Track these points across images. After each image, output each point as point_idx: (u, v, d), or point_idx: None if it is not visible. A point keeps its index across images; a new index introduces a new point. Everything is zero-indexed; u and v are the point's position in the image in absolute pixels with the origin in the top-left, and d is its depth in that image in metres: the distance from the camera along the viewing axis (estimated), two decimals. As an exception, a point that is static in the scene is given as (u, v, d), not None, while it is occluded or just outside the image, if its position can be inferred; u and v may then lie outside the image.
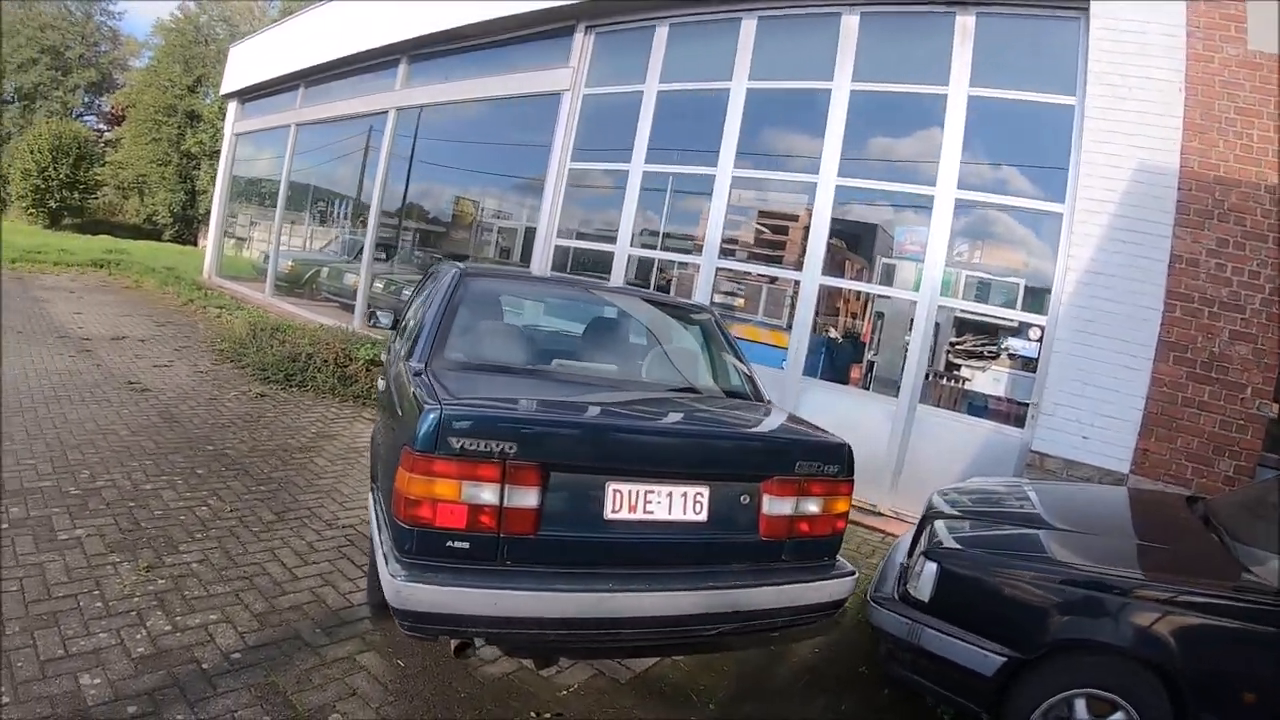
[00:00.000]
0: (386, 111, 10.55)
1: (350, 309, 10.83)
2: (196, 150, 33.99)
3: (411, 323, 3.65)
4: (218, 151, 18.34)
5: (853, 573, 2.79)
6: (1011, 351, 5.65)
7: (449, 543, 2.18)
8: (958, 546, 2.81)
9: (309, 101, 12.87)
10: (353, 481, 4.75)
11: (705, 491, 2.48)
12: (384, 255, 11.22)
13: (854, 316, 7.24)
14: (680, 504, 2.44)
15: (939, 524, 3.05)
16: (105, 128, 39.12)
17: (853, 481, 2.79)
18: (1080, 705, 2.42)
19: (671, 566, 2.45)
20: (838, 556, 2.85)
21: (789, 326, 6.25)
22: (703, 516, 2.47)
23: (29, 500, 3.79)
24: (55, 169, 29.93)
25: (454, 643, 2.76)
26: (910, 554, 3.11)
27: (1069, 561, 2.61)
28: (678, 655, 3.09)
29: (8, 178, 31.87)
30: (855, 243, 6.74)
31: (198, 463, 4.70)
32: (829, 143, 6.02)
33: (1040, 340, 5.17)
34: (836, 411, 5.64)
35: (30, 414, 5.23)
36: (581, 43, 7.84)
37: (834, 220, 6.12)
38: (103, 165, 34.30)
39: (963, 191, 5.48)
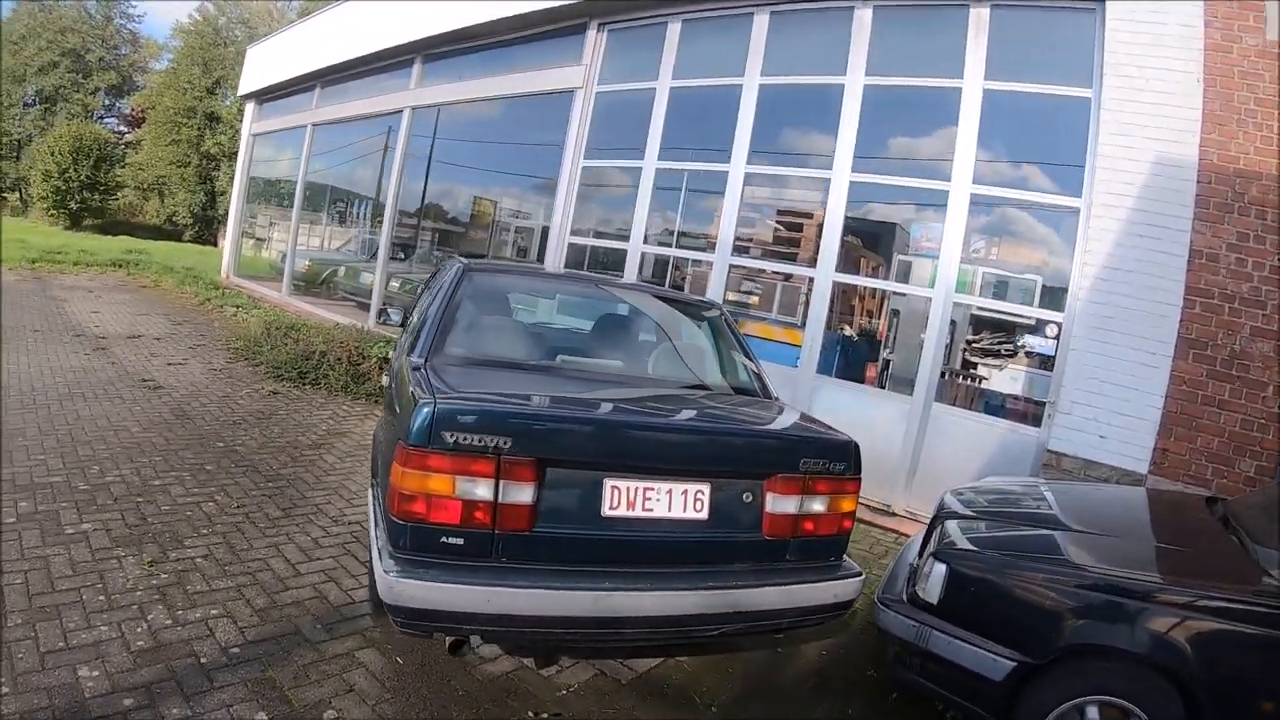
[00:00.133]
0: (401, 111, 10.58)
1: (367, 308, 10.87)
2: (216, 151, 34.38)
3: (416, 318, 3.63)
4: (236, 152, 18.51)
5: (860, 573, 2.74)
6: (1028, 349, 5.56)
7: (443, 539, 2.15)
8: (972, 548, 2.73)
9: (325, 102, 12.94)
10: (361, 478, 4.74)
11: (706, 489, 2.43)
12: (403, 255, 11.26)
13: (870, 315, 7.17)
14: (680, 501, 2.39)
15: (950, 524, 2.97)
16: (125, 130, 39.65)
17: (860, 480, 2.74)
18: (1093, 712, 2.33)
19: (671, 565, 2.41)
20: (844, 556, 2.79)
21: (803, 324, 6.18)
22: (703, 514, 2.43)
23: (38, 495, 3.81)
24: (76, 170, 30.33)
25: (449, 640, 2.73)
26: (920, 555, 3.04)
27: (1084, 564, 2.52)
28: (680, 656, 3.05)
29: (29, 179, 32.34)
30: (872, 241, 6.67)
31: (207, 459, 4.72)
32: (842, 138, 5.95)
33: (1057, 338, 5.07)
34: (850, 410, 5.58)
35: (43, 410, 5.27)
36: (594, 40, 7.81)
37: (850, 219, 6.05)
38: (123, 167, 34.76)
39: (978, 186, 5.39)
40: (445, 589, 2.09)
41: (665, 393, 3.09)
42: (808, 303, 6.17)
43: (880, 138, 5.99)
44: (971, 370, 6.01)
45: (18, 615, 2.70)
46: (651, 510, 2.35)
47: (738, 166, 6.57)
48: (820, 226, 6.10)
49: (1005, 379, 5.75)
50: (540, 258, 8.46)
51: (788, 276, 6.84)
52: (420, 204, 11.43)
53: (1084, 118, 4.98)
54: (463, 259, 3.61)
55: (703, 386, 3.26)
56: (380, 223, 10.94)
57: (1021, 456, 5.06)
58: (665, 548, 2.40)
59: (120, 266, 16.05)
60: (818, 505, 2.61)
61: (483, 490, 2.15)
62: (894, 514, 5.43)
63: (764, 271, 6.96)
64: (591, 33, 7.82)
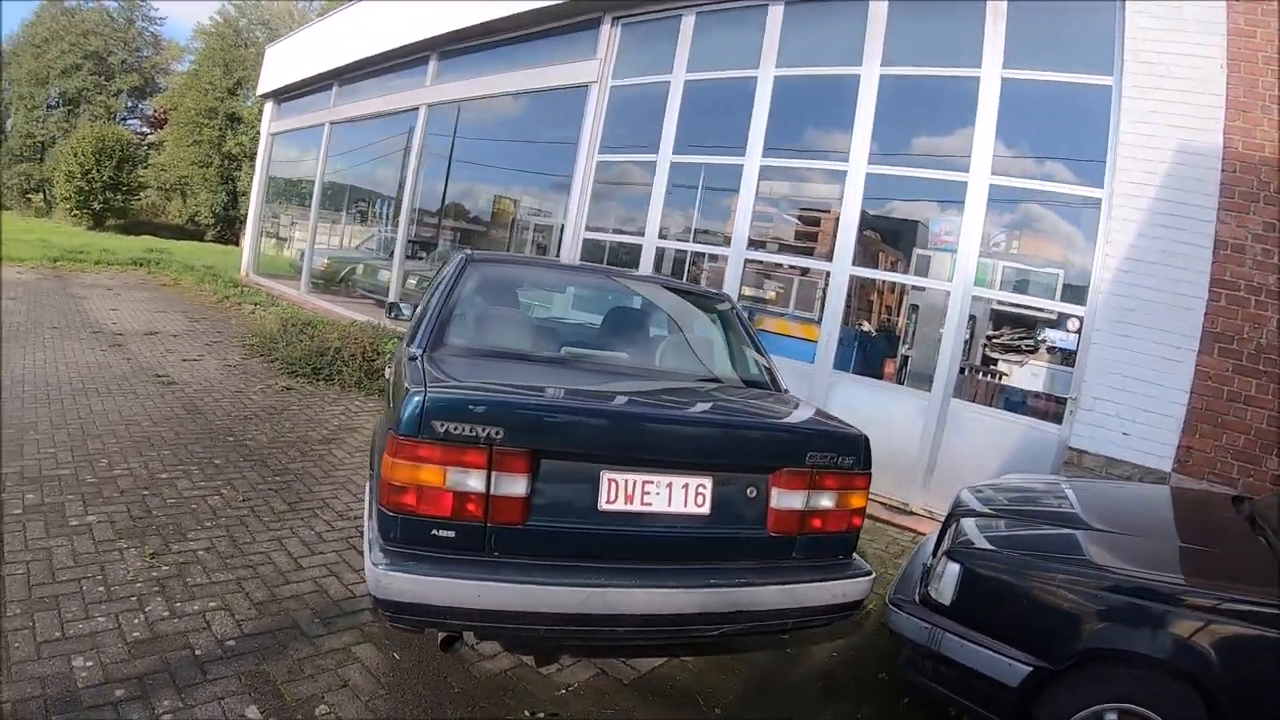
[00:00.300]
0: (417, 108, 10.61)
1: (384, 305, 10.89)
2: (237, 151, 34.74)
3: (419, 310, 3.58)
4: (257, 152, 18.68)
5: (870, 572, 2.65)
6: (1050, 344, 5.44)
7: (434, 531, 2.09)
8: (988, 547, 2.62)
9: (342, 100, 13.02)
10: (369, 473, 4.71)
11: (708, 483, 2.35)
12: (424, 254, 11.29)
13: (889, 310, 7.07)
14: (681, 495, 2.32)
15: (966, 522, 2.86)
16: (148, 131, 40.18)
17: (870, 474, 2.64)
18: (1111, 720, 2.24)
19: (670, 562, 2.33)
20: (854, 555, 2.71)
21: (820, 319, 6.08)
22: (705, 509, 2.35)
23: (45, 487, 3.82)
24: (99, 171, 30.76)
25: (440, 636, 2.68)
26: (934, 554, 2.94)
27: (1106, 565, 2.40)
28: (684, 656, 2.97)
29: (53, 180, 32.80)
30: (889, 235, 6.59)
31: (216, 453, 4.71)
32: (858, 129, 5.84)
33: (1079, 332, 4.93)
34: (868, 406, 5.48)
35: (56, 405, 5.30)
36: (608, 34, 7.76)
37: (868, 213, 5.95)
38: (146, 167, 35.21)
39: (997, 177, 5.25)
40: (435, 582, 2.03)
41: (670, 384, 3.01)
42: (824, 298, 6.07)
43: (897, 129, 5.87)
44: (991, 366, 5.90)
45: (17, 605, 2.69)
46: (650, 504, 2.28)
47: (753, 160, 6.48)
48: (836, 220, 6.00)
49: (1026, 375, 5.63)
50: (557, 255, 8.43)
51: (804, 271, 6.75)
52: (441, 203, 11.49)
53: (1104, 106, 4.85)
54: (467, 249, 3.56)
55: (711, 379, 3.18)
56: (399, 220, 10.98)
57: (1042, 454, 4.93)
58: (664, 543, 2.32)
59: (141, 265, 16.22)
60: (825, 501, 2.52)
61: (474, 482, 2.09)
62: (911, 512, 5.33)
63: (780, 266, 6.88)
64: (606, 27, 7.78)
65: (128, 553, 3.22)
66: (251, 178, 17.80)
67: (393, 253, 11.16)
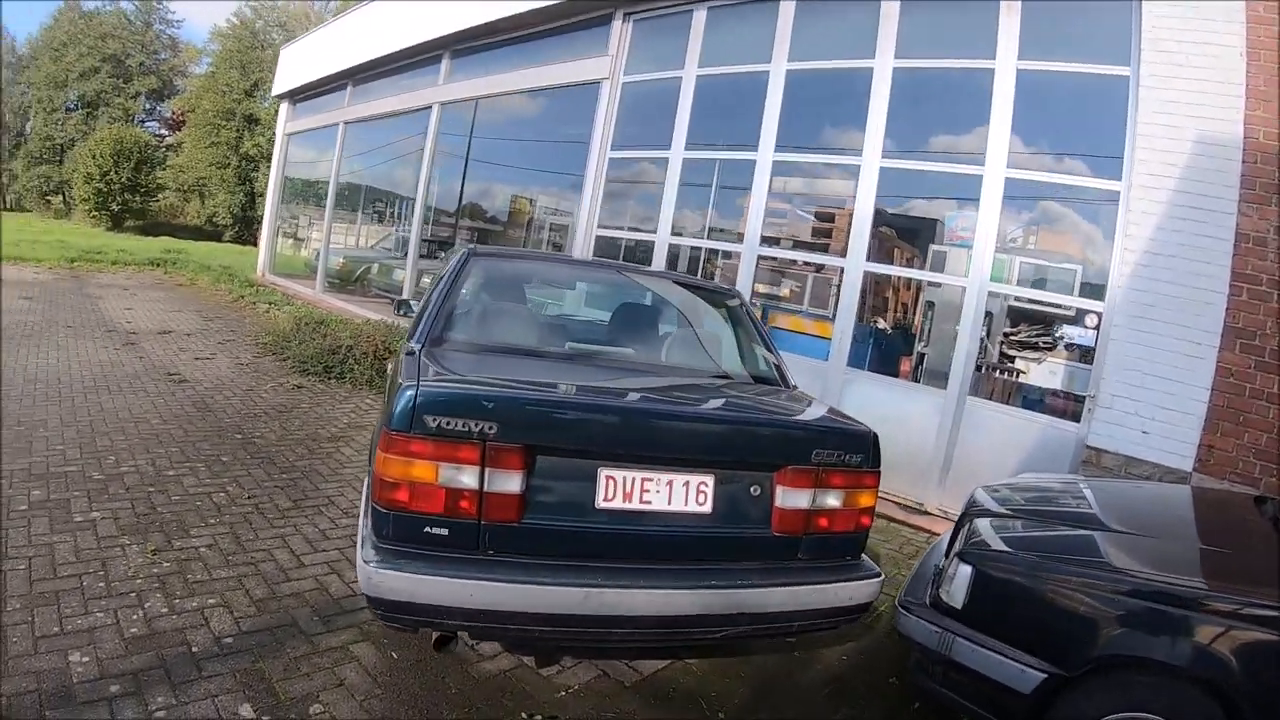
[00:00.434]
0: (430, 107, 10.63)
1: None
2: (255, 153, 34.94)
3: (420, 305, 3.55)
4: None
5: (879, 574, 2.58)
6: (1067, 341, 5.34)
7: (427, 528, 2.05)
8: (1003, 548, 2.54)
9: (356, 100, 13.07)
10: (375, 471, 4.69)
11: (710, 480, 2.29)
12: (441, 253, 11.31)
13: (904, 307, 6.97)
14: (681, 494, 2.25)
15: (980, 522, 2.77)
16: (166, 133, 40.55)
17: (879, 473, 2.57)
18: (1128, 729, 2.15)
19: (670, 562, 2.27)
20: (863, 555, 2.63)
21: (834, 317, 6.00)
22: (707, 508, 2.29)
23: (51, 483, 3.82)
24: (117, 173, 30.99)
25: (434, 636, 2.63)
26: (947, 555, 2.86)
27: (1124, 567, 2.32)
28: (685, 658, 2.91)
29: (71, 182, 33.14)
30: (905, 232, 6.50)
31: (223, 450, 4.70)
32: (872, 123, 5.75)
33: (1097, 328, 4.82)
34: (882, 404, 5.42)
35: (66, 403, 5.32)
36: (620, 30, 7.72)
37: (882, 209, 5.87)
38: (164, 169, 35.49)
39: (1012, 170, 5.14)
40: (427, 581, 1.99)
41: (674, 380, 2.95)
42: (838, 294, 5.98)
43: (911, 123, 5.77)
44: (1008, 363, 5.80)
45: (17, 600, 2.69)
46: (650, 503, 2.22)
47: (765, 155, 6.41)
48: (850, 215, 5.92)
49: (1043, 372, 5.53)
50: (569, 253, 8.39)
51: (819, 268, 6.67)
52: (459, 203, 11.52)
53: (1122, 97, 4.73)
54: (470, 244, 3.52)
55: (719, 375, 3.12)
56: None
57: (1060, 453, 4.83)
58: (664, 543, 2.26)
59: (158, 265, 16.34)
60: (832, 500, 2.45)
61: (468, 478, 2.04)
62: (926, 512, 5.24)
63: (794, 262, 6.81)
64: (617, 23, 7.74)
65: (130, 549, 3.21)
66: (268, 178, 17.91)
67: (408, 252, 11.19)
